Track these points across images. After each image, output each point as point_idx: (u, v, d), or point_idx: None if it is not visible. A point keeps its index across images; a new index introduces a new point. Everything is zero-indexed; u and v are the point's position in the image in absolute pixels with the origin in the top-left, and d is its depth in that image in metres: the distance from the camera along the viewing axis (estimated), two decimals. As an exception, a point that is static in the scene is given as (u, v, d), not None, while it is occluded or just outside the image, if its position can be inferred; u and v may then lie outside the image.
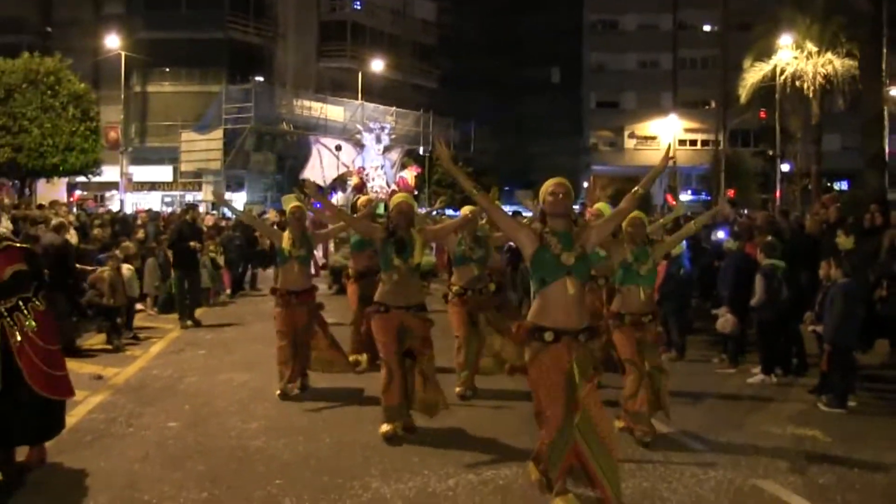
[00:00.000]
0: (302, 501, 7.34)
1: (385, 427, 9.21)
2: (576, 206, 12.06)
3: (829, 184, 54.55)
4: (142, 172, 54.00)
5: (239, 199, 49.92)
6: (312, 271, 13.28)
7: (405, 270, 9.30)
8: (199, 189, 51.01)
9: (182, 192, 52.00)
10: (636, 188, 7.43)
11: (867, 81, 37.08)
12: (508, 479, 7.91)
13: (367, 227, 10.20)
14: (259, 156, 51.29)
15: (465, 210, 11.34)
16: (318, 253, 23.18)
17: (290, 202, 11.90)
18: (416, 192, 29.54)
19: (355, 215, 12.19)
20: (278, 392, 11.23)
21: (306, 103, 53.91)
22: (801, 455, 8.92)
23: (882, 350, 14.67)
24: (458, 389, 11.18)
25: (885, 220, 15.88)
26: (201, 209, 35.66)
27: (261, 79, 54.75)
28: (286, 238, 11.52)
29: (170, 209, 40.37)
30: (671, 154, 8.18)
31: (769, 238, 13.45)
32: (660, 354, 9.72)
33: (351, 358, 12.67)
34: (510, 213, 9.71)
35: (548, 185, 7.04)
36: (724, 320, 13.56)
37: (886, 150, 32.54)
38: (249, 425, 9.81)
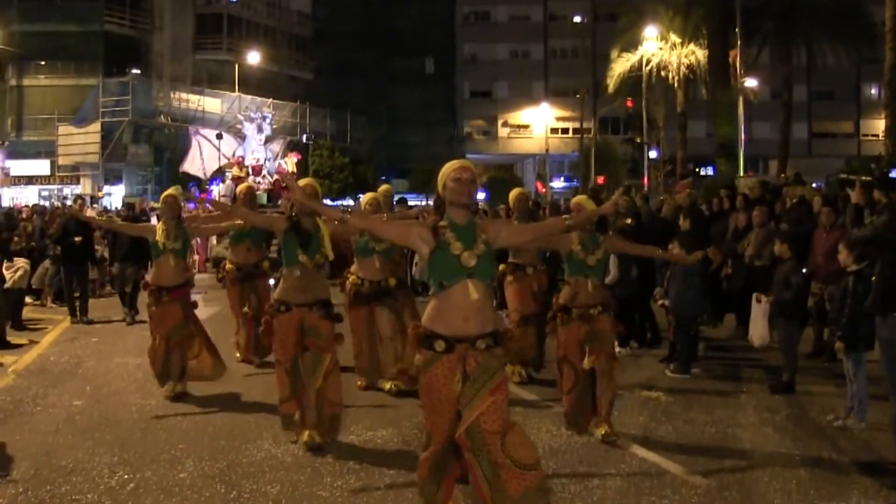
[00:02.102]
0: (203, 461, 8.20)
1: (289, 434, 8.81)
2: None
3: (695, 169, 56.36)
4: (19, 167, 53.50)
5: (118, 193, 49.89)
6: (196, 269, 13.05)
7: (311, 266, 8.52)
8: (78, 182, 50.76)
9: (60, 186, 51.58)
10: (566, 218, 7.07)
11: (716, 72, 38.86)
12: (385, 440, 8.90)
13: (267, 220, 9.71)
14: (137, 149, 51.26)
15: (367, 198, 11.49)
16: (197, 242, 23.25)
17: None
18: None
19: (235, 205, 12.09)
20: (166, 395, 10.72)
21: (184, 96, 54.05)
22: (645, 413, 10.09)
23: (730, 324, 15.97)
24: (359, 383, 11.08)
25: (732, 203, 17.11)
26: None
27: (137, 71, 54.56)
28: (160, 230, 10.80)
29: (47, 203, 40.24)
30: (618, 202, 7.60)
31: (628, 221, 14.37)
32: (613, 344, 9.33)
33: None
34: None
35: (451, 169, 6.01)
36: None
37: (743, 137, 34.25)
38: (148, 401, 10.59)
